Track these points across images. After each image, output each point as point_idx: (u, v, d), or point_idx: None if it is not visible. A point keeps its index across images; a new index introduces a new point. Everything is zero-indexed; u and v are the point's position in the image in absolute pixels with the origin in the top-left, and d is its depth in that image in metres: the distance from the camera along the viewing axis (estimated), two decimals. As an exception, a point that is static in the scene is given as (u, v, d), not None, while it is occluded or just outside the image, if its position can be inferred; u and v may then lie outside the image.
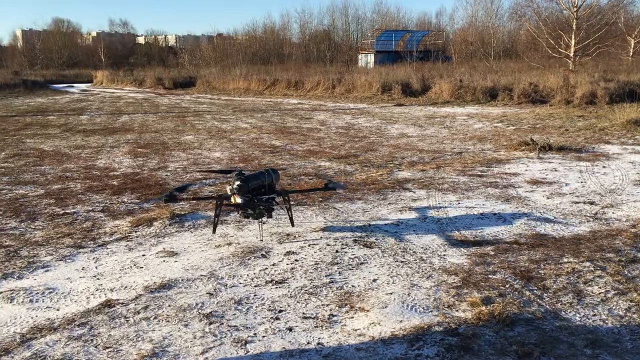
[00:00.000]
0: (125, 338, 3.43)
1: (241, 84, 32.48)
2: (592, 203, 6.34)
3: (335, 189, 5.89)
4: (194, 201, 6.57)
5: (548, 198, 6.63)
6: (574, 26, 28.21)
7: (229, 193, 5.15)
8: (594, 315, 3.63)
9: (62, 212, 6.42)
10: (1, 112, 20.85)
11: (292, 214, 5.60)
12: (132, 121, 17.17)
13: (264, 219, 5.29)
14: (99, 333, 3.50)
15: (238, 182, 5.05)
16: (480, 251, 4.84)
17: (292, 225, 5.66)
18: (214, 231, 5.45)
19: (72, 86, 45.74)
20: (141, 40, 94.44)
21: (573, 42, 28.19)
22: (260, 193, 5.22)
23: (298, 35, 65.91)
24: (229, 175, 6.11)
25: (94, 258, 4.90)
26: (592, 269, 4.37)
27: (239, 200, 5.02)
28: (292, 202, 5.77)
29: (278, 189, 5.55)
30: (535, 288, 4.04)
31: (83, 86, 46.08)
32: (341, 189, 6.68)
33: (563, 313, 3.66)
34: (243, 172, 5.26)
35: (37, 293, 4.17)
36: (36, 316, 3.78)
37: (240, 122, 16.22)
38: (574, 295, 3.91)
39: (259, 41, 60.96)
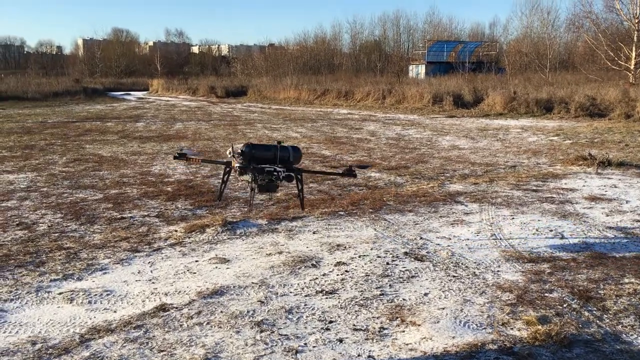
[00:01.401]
0: (179, 342, 3.50)
1: (292, 94, 32.82)
2: (655, 222, 6.09)
3: (356, 176, 5.58)
4: (203, 163, 6.73)
5: (607, 215, 6.40)
6: (635, 38, 27.29)
7: (229, 156, 5.07)
8: (658, 339, 3.47)
9: (120, 216, 6.62)
10: (63, 118, 21.73)
11: (303, 196, 5.41)
12: (185, 129, 17.59)
13: (264, 194, 5.10)
14: (154, 336, 3.58)
15: (242, 148, 4.94)
16: (536, 268, 4.71)
17: (302, 208, 5.57)
18: (219, 198, 5.54)
19: (129, 94, 47.26)
20: (195, 49, 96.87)
21: (634, 54, 27.27)
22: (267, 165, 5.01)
23: (349, 45, 66.13)
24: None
25: (149, 262, 5.03)
26: (656, 291, 4.19)
27: (236, 164, 4.94)
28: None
29: (294, 167, 5.24)
30: (595, 308, 3.90)
31: (139, 94, 47.54)
32: (364, 168, 6.46)
33: (624, 336, 3.52)
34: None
35: (96, 295, 4.30)
36: (94, 317, 3.90)
37: (291, 131, 16.37)
38: (635, 318, 3.75)
39: (310, 51, 61.43)
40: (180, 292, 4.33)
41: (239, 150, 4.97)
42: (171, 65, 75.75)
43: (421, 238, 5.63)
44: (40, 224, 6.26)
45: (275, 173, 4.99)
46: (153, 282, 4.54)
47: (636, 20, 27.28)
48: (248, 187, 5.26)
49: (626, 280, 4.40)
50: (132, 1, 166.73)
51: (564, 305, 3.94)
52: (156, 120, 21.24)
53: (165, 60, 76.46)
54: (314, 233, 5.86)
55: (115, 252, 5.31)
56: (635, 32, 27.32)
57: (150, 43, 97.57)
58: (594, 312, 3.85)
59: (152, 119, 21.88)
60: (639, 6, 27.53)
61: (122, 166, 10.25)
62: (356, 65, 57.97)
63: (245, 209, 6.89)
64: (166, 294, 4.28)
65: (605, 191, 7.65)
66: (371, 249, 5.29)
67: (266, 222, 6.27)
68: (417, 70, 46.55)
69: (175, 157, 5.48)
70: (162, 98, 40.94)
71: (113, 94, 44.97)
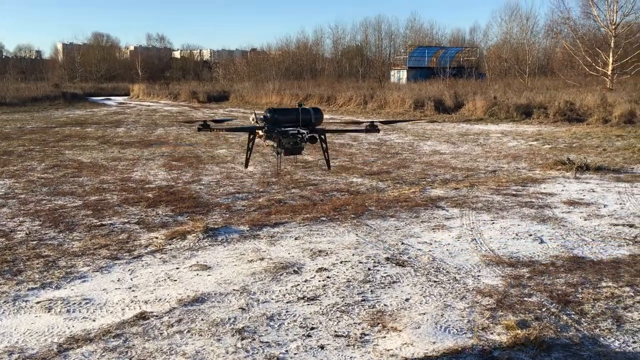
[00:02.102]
0: (159, 351, 3.47)
1: (274, 99, 32.77)
2: (631, 226, 6.18)
3: (379, 131, 5.71)
4: (227, 132, 6.65)
5: (585, 220, 6.49)
6: (612, 44, 27.75)
7: (252, 122, 5.15)
8: (634, 342, 3.53)
9: (99, 223, 6.55)
10: (42, 124, 21.45)
11: (328, 156, 5.53)
12: (167, 134, 17.47)
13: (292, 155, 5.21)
14: (133, 345, 3.55)
15: (265, 113, 5.04)
16: (515, 273, 4.76)
17: (329, 167, 5.64)
18: (245, 166, 5.59)
19: (110, 99, 46.81)
20: (177, 54, 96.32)
21: (611, 60, 27.71)
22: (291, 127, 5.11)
23: (331, 50, 66.32)
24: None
25: (129, 270, 4.98)
26: (632, 294, 4.25)
27: (261, 132, 5.04)
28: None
29: (318, 128, 5.36)
30: (573, 312, 3.95)
31: (120, 99, 47.12)
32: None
33: (602, 339, 3.56)
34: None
35: (74, 303, 4.25)
36: (73, 326, 3.85)
37: (273, 137, 16.34)
38: (613, 321, 3.81)
39: (292, 56, 61.47)
40: (160, 300, 4.29)
41: (262, 116, 5.06)
42: (152, 70, 75.24)
43: (402, 243, 5.65)
44: (18, 232, 6.17)
45: (299, 135, 5.07)
46: (133, 290, 4.50)
47: (613, 27, 27.74)
48: (274, 152, 5.37)
49: (603, 284, 4.46)
50: (113, 6, 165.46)
51: (543, 310, 3.99)
52: (137, 125, 21.07)
53: (147, 65, 75.98)
54: (295, 239, 5.85)
55: (95, 259, 5.26)
56: (612, 38, 27.78)
57: (131, 47, 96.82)
58: (572, 316, 3.89)
59: (133, 124, 21.69)
60: (615, 12, 28.02)
61: (102, 172, 10.15)
62: (338, 70, 58.13)
63: (227, 216, 6.86)
64: (146, 302, 4.25)
65: (584, 195, 7.75)
66: (353, 255, 5.30)
67: (248, 228, 6.25)
68: (399, 76, 46.83)
69: (199, 129, 5.51)
70: (143, 103, 40.62)
71: (93, 99, 44.51)
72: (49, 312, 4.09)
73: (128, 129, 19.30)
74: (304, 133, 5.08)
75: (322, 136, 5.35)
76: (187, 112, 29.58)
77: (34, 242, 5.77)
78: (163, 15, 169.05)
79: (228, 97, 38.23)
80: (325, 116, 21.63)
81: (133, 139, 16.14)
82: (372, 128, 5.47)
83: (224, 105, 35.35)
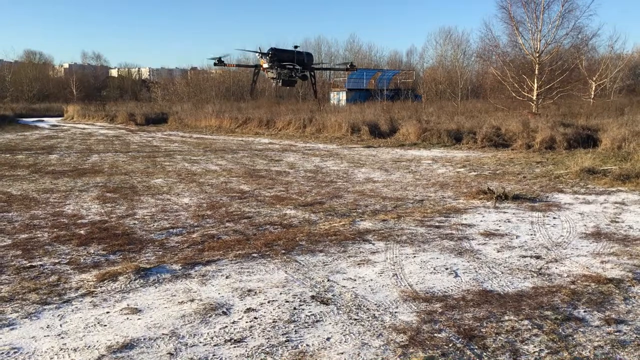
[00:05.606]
0: (86, 402, 3.61)
1: (213, 122, 32.80)
2: (538, 257, 6.72)
3: (356, 69, 6.96)
4: (237, 67, 7.70)
5: (498, 251, 7.00)
6: (536, 70, 29.42)
7: (258, 56, 6.18)
8: (527, 374, 3.94)
9: (29, 264, 6.55)
10: (-31, 150, 20.73)
11: (316, 88, 6.62)
12: (102, 161, 17.28)
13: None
14: (61, 397, 3.67)
15: (268, 51, 6.05)
16: (429, 308, 5.14)
17: (315, 96, 6.65)
18: (251, 94, 6.64)
19: (42, 120, 45.45)
20: (114, 72, 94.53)
21: (536, 85, 29.36)
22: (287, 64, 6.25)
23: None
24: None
25: (58, 315, 5.06)
26: (530, 327, 4.70)
27: (265, 65, 6.06)
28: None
29: (309, 67, 6.59)
30: (476, 347, 4.34)
31: (53, 120, 45.83)
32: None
33: (499, 372, 3.95)
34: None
35: (2, 353, 4.31)
36: (0, 378, 3.92)
37: (211, 164, 16.47)
38: (510, 354, 4.22)
39: (233, 77, 61.61)
40: (89, 347, 4.41)
41: (266, 52, 6.16)
42: (88, 89, 73.61)
43: (328, 280, 5.96)
44: (-57, 276, 6.09)
45: (295, 70, 6.26)
46: (62, 337, 4.59)
47: (537, 55, 29.44)
48: (273, 83, 6.47)
49: (506, 318, 4.90)
50: (46, 23, 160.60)
51: (450, 345, 4.36)
52: (71, 151, 20.69)
53: (82, 84, 74.18)
54: (226, 278, 6.06)
55: (24, 305, 5.29)
56: (537, 65, 29.46)
57: (66, 65, 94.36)
58: (475, 350, 4.29)
59: (67, 150, 21.28)
60: (539, 41, 29.76)
61: (33, 206, 10.02)
62: (278, 90, 58.65)
63: (160, 253, 6.99)
64: (75, 350, 4.36)
65: (500, 226, 8.31)
66: (280, 294, 5.56)
67: (180, 267, 6.41)
68: (339, 97, 47.71)
69: (215, 64, 6.51)
70: (77, 125, 39.70)
71: (24, 121, 43.15)
72: (-25, 364, 4.14)
73: (61, 156, 18.93)
74: (298, 69, 6.32)
75: (312, 73, 6.56)
76: (124, 136, 29.18)
77: (-40, 288, 5.73)
78: (99, 32, 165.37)
79: (167, 120, 37.94)
80: (264, 140, 22.05)
81: (66, 167, 15.89)
82: (350, 67, 6.69)
83: (162, 128, 35.04)
